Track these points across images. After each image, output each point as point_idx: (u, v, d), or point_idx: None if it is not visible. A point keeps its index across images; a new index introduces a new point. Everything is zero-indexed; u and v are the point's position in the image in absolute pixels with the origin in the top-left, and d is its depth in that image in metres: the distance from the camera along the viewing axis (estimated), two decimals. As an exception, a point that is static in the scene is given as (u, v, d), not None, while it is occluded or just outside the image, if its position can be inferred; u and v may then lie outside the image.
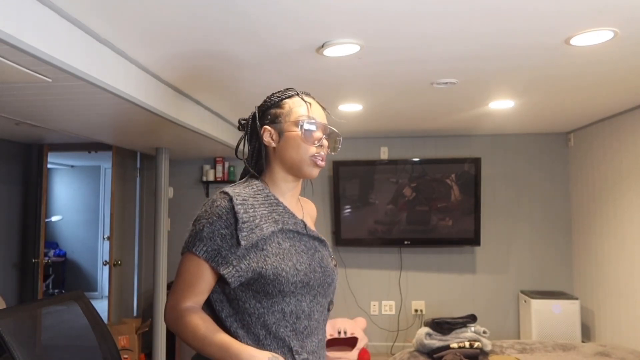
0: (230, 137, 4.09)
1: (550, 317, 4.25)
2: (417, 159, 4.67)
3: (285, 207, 1.22)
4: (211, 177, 4.91)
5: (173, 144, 3.92)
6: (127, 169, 4.78)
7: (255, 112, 1.28)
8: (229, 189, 1.17)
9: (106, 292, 5.59)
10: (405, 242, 4.64)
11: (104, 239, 7.10)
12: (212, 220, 1.12)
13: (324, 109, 1.31)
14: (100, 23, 1.96)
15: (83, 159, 6.46)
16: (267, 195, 1.20)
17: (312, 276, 1.17)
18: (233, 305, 1.15)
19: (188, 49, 2.29)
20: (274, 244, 1.14)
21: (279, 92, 1.29)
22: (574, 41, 2.22)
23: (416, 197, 4.65)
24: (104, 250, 7.11)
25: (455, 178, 4.61)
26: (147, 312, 4.85)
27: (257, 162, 1.27)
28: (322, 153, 1.24)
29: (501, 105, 3.54)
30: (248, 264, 1.11)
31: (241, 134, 1.33)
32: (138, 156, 4.96)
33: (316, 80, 2.87)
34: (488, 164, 4.85)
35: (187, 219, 4.97)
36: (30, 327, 1.69)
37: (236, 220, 1.11)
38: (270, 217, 1.17)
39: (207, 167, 4.93)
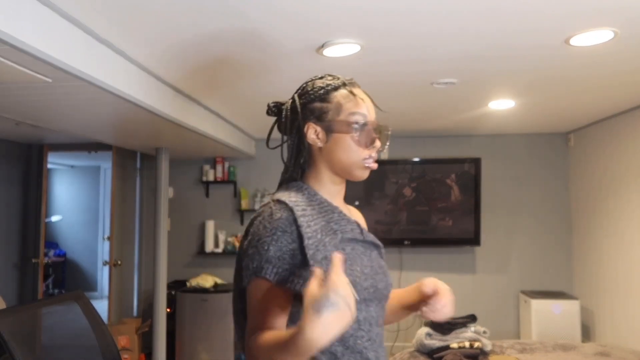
0: (230, 137, 4.09)
1: (550, 317, 4.24)
2: (417, 159, 4.67)
3: (340, 211, 1.11)
4: (211, 177, 4.90)
5: (173, 144, 3.92)
6: (127, 169, 4.78)
7: (296, 104, 1.12)
8: (283, 197, 1.05)
9: (106, 292, 5.59)
10: (406, 242, 4.64)
11: (104, 239, 7.10)
12: (276, 236, 0.99)
13: (369, 98, 1.13)
14: (100, 23, 1.96)
15: (83, 159, 6.46)
16: (321, 202, 1.09)
17: (377, 278, 1.08)
18: None
19: (188, 48, 2.29)
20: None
21: (321, 79, 1.14)
22: (574, 41, 2.22)
23: (416, 197, 4.65)
24: (104, 250, 7.10)
25: (455, 178, 4.61)
26: (147, 312, 4.85)
27: (297, 159, 1.12)
28: (374, 154, 1.11)
29: (501, 105, 3.54)
30: None
31: (272, 119, 1.15)
32: (138, 156, 4.96)
33: (316, 80, 2.86)
34: (488, 164, 4.84)
35: (187, 219, 4.97)
36: (30, 327, 1.68)
37: (300, 234, 0.99)
38: (328, 229, 1.05)
39: (207, 167, 4.93)
